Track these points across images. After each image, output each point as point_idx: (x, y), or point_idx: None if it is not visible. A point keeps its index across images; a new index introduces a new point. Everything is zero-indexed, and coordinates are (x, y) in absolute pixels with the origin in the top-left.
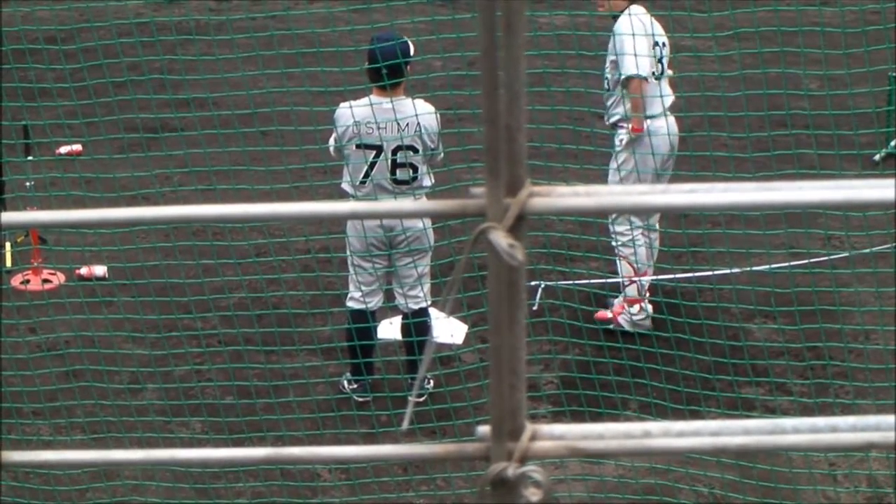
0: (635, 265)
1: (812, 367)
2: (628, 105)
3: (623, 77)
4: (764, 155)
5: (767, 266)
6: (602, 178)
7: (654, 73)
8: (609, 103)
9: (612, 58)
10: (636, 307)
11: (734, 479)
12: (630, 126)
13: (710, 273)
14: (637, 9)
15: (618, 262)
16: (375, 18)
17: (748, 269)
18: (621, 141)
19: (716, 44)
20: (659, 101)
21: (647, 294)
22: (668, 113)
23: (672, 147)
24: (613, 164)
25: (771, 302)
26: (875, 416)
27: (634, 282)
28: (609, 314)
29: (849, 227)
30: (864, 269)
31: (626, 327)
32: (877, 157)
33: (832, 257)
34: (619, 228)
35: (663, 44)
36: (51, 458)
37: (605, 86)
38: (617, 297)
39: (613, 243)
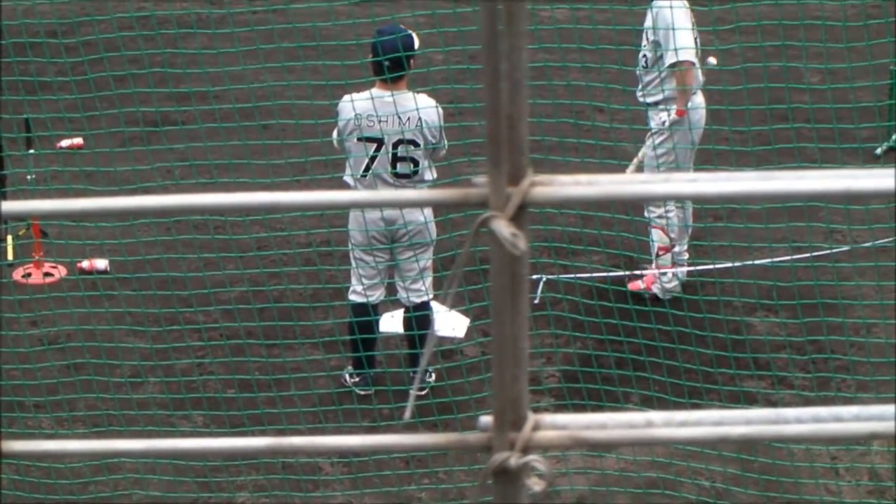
0: (670, 235)
1: (814, 361)
2: (671, 84)
3: (677, 61)
4: (765, 149)
5: (769, 260)
6: (602, 171)
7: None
8: (647, 80)
9: (654, 37)
10: (668, 274)
11: (736, 472)
12: (675, 109)
13: (712, 267)
14: None
15: (652, 232)
16: (376, 12)
17: (750, 262)
18: (662, 122)
19: (717, 38)
20: (696, 80)
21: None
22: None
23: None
24: (650, 143)
25: (773, 295)
26: (878, 405)
27: (668, 250)
28: (641, 284)
29: (850, 220)
30: (866, 263)
31: (660, 295)
32: (878, 151)
33: (834, 251)
34: (651, 207)
35: (694, 23)
36: (52, 448)
37: (643, 63)
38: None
39: (646, 213)
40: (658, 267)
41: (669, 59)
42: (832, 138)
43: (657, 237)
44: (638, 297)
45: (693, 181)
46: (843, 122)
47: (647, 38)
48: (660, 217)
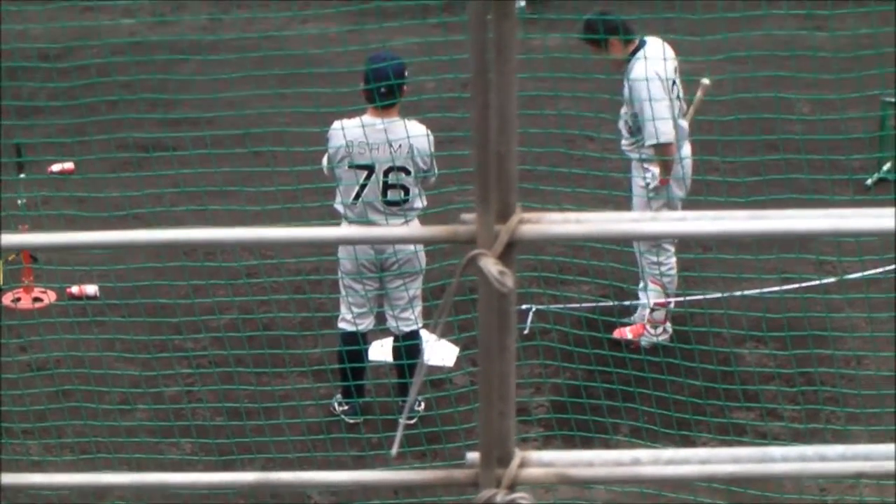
0: (665, 290)
1: (803, 393)
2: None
3: (656, 143)
4: (755, 179)
5: (759, 290)
6: (593, 201)
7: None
8: (628, 143)
9: (633, 109)
10: (659, 328)
11: None
12: (657, 176)
13: (701, 297)
14: (652, 45)
15: (648, 286)
16: (368, 39)
17: (739, 293)
18: (647, 183)
19: (708, 67)
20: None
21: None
22: (685, 141)
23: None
24: (639, 198)
25: (762, 327)
26: (864, 445)
27: (664, 306)
28: (629, 333)
29: (841, 252)
30: (856, 295)
31: (647, 346)
32: (868, 182)
33: (824, 282)
34: (651, 259)
35: (675, 69)
36: (39, 482)
37: (625, 129)
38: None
39: (648, 270)
40: (650, 320)
41: (648, 138)
42: (823, 169)
43: (654, 290)
44: (618, 343)
45: (681, 220)
46: (833, 152)
47: (627, 107)
48: (652, 264)
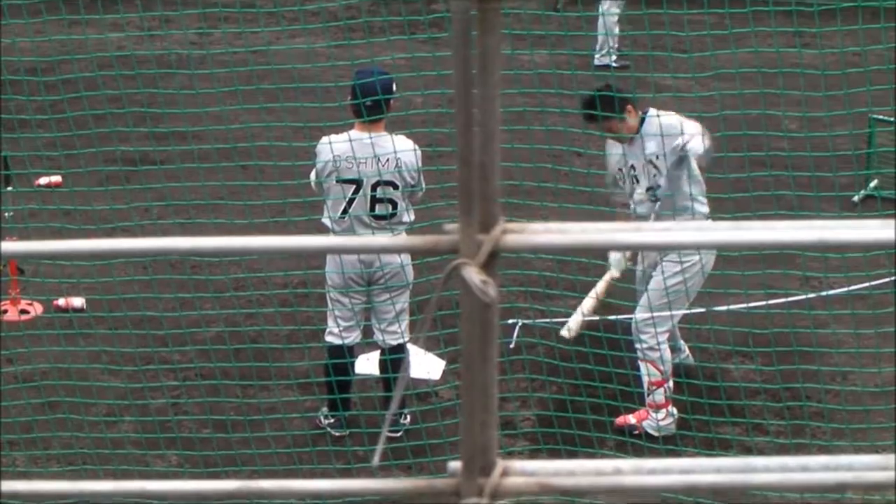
0: (662, 369)
1: (789, 408)
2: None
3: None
4: (743, 195)
5: (745, 306)
6: (579, 216)
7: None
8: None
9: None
10: (662, 412)
11: None
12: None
13: (687, 312)
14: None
15: (642, 366)
16: (356, 54)
17: (726, 308)
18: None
19: (696, 84)
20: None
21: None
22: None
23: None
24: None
25: (748, 342)
26: (847, 456)
27: (661, 385)
28: (632, 419)
29: (827, 267)
30: (842, 310)
31: (653, 433)
32: (856, 199)
33: (810, 297)
34: (644, 337)
35: (677, 146)
36: (20, 489)
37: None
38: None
39: (637, 345)
40: (652, 404)
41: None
42: (810, 185)
43: (648, 371)
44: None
45: (665, 230)
46: (821, 169)
47: None
48: (651, 349)
